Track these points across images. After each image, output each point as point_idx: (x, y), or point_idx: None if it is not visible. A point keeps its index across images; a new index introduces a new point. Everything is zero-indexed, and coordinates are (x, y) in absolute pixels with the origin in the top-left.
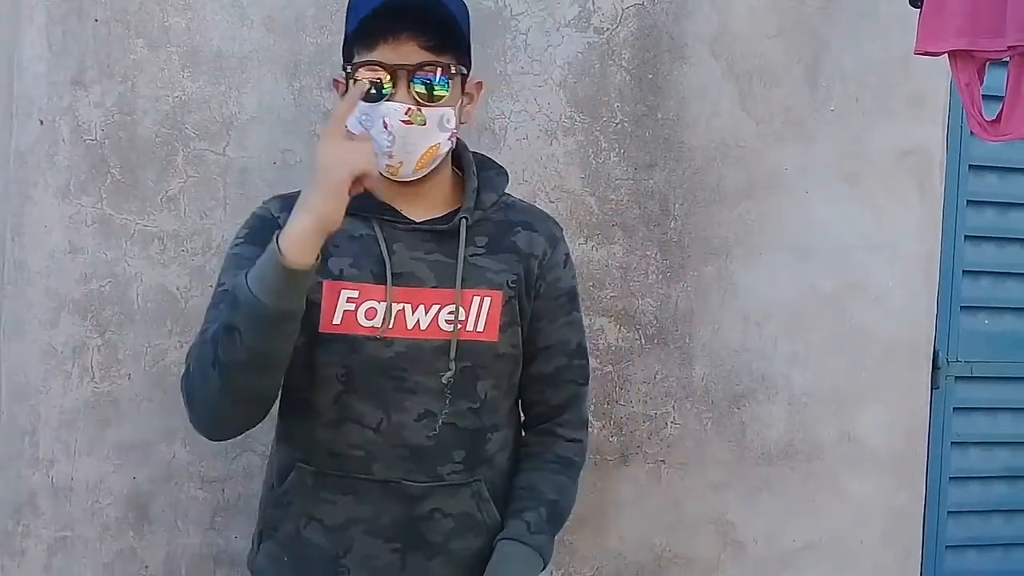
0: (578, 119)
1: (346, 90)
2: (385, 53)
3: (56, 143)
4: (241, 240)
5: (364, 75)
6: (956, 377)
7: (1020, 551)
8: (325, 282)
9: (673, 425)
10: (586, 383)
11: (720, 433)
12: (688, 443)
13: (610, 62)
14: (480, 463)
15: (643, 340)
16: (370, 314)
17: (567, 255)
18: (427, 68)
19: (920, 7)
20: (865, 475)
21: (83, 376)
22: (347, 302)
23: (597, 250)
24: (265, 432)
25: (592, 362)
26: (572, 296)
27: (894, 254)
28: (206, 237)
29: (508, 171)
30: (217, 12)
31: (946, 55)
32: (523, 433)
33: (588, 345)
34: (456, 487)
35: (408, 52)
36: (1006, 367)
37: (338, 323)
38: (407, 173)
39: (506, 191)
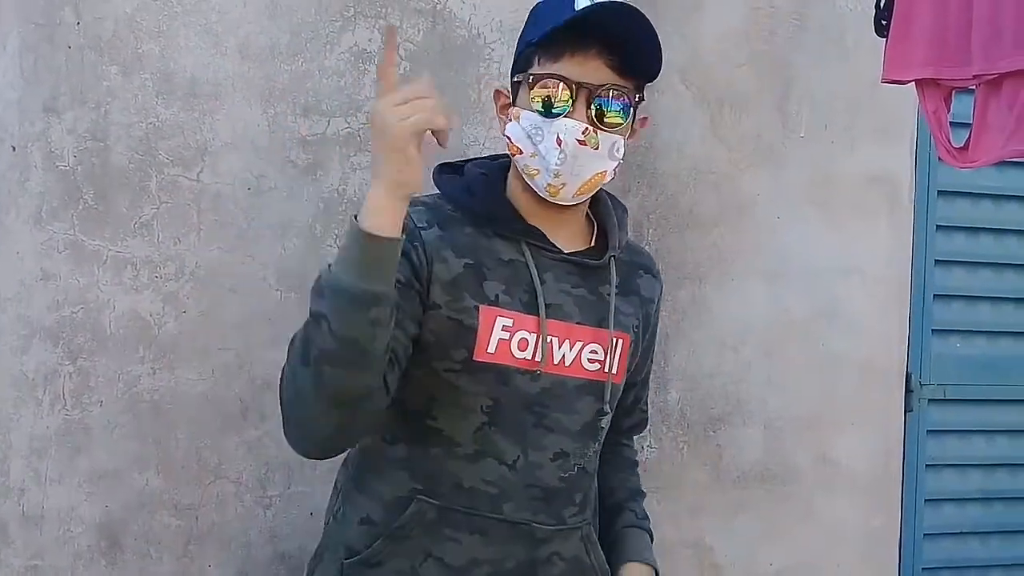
0: None
1: (511, 102)
2: (569, 67)
3: (28, 169)
4: None
5: (544, 89)
6: (929, 400)
7: (995, 573)
8: (481, 307)
9: (649, 449)
10: (647, 410)
11: (696, 457)
12: (664, 467)
13: None
14: (588, 504)
15: None
16: (522, 345)
17: (661, 295)
18: (611, 90)
19: (886, 36)
20: (841, 498)
21: (54, 403)
22: (502, 331)
23: None
24: (240, 457)
25: None
26: (655, 332)
27: (865, 278)
28: (179, 263)
29: None
30: (191, 39)
31: (913, 83)
32: None
33: None
34: (572, 531)
35: (594, 70)
36: (979, 390)
37: (493, 352)
38: (567, 196)
39: None
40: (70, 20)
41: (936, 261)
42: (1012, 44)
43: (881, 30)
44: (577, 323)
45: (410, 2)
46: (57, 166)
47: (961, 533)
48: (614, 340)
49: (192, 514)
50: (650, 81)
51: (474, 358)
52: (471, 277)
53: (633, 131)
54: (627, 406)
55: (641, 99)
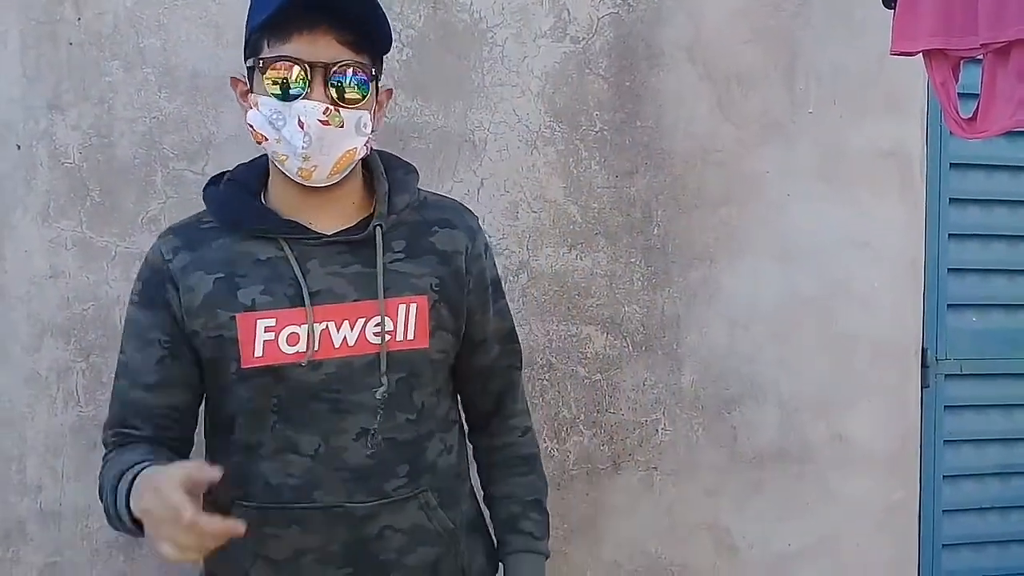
0: (558, 129)
1: (248, 88)
2: (300, 47)
3: (34, 168)
4: (136, 300)
5: (276, 71)
6: (946, 375)
7: (1016, 548)
8: (238, 315)
9: (664, 431)
10: (521, 367)
11: (711, 438)
12: (679, 449)
13: (587, 71)
14: (423, 472)
15: (631, 347)
16: (292, 340)
17: (486, 244)
18: (346, 66)
19: (894, 8)
20: (858, 476)
21: (68, 400)
22: (265, 332)
23: (581, 259)
24: None
25: (580, 370)
26: (496, 284)
27: (878, 254)
28: None
29: (490, 182)
30: (192, 32)
31: (921, 55)
32: (471, 431)
33: (575, 354)
34: (403, 501)
35: (325, 47)
36: (995, 364)
37: (260, 355)
38: (321, 178)
39: (418, 187)
40: (71, 16)
41: (950, 235)
42: (1018, 12)
43: (889, 2)
44: (355, 301)
45: None
46: (63, 163)
47: (980, 508)
48: (403, 307)
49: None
50: (384, 53)
51: (243, 366)
52: (223, 290)
53: (379, 104)
54: (486, 367)
55: (378, 72)
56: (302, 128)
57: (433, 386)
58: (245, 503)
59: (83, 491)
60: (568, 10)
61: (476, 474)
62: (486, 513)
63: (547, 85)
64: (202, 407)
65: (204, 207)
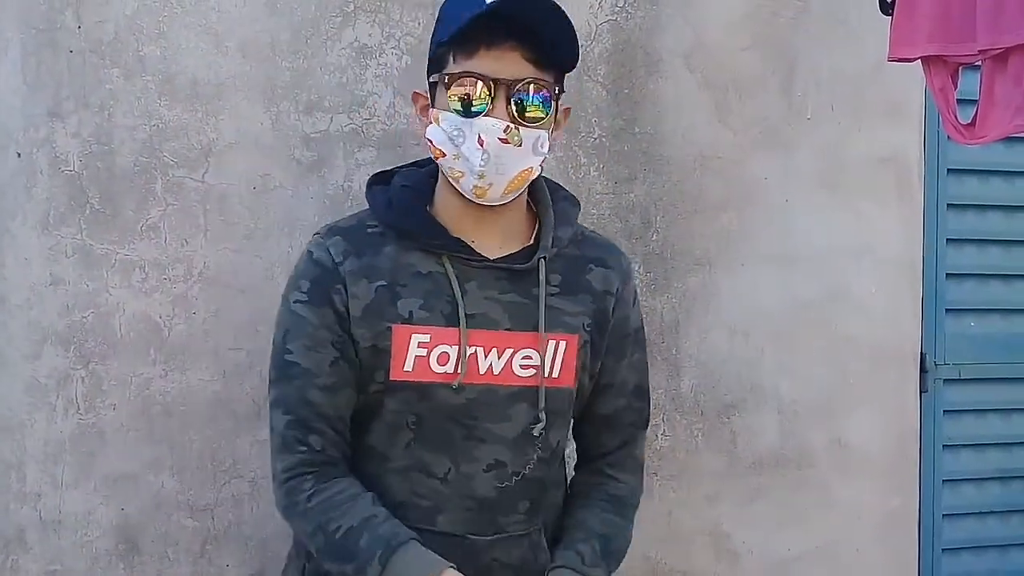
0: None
1: (429, 103)
2: (485, 63)
3: (34, 175)
4: (305, 299)
5: (461, 87)
6: (944, 380)
7: (1016, 552)
8: (394, 326)
9: (664, 437)
10: (645, 427)
11: (711, 444)
12: (679, 454)
13: (586, 78)
14: (540, 510)
15: None
16: (443, 359)
17: (635, 291)
18: (530, 84)
19: (891, 14)
20: (857, 481)
21: (68, 408)
22: (418, 347)
23: None
24: (255, 456)
25: None
26: (638, 335)
27: (876, 260)
28: (188, 264)
29: None
30: (192, 40)
31: (919, 61)
32: (578, 467)
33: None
34: (518, 537)
35: (510, 63)
36: (994, 369)
37: (409, 370)
38: (495, 197)
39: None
40: (71, 24)
41: (948, 240)
42: (1016, 18)
43: (886, 8)
44: (507, 330)
45: None
46: (62, 171)
47: (980, 513)
48: (552, 343)
49: (208, 514)
50: (568, 71)
51: (391, 378)
52: (385, 298)
53: (557, 123)
54: (606, 416)
55: (562, 90)
56: (481, 145)
57: (564, 425)
58: None
59: (83, 499)
60: None
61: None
62: None
63: None
64: None
65: (199, 213)
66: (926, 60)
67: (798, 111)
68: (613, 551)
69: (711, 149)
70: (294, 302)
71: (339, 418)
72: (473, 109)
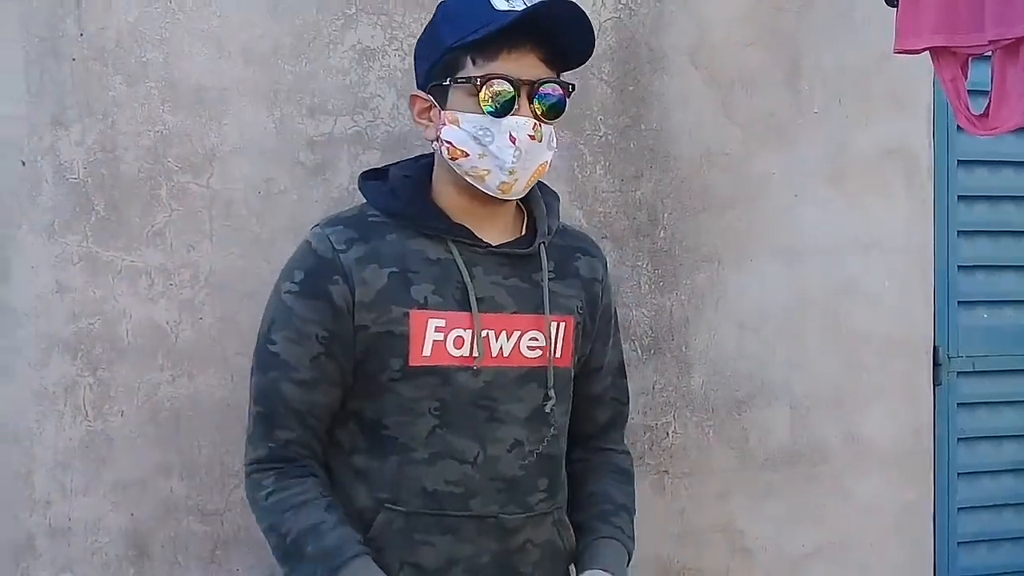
0: (561, 133)
1: (433, 105)
2: (508, 65)
3: (39, 183)
4: (296, 289)
5: (490, 89)
6: (958, 373)
7: None
8: (412, 311)
9: (675, 435)
10: (628, 403)
11: (722, 441)
12: (691, 452)
13: (591, 75)
14: (559, 488)
15: (639, 351)
16: (458, 343)
17: (610, 280)
18: (549, 84)
19: (896, 6)
20: (871, 476)
21: (76, 415)
22: (436, 332)
23: None
24: None
25: None
26: (616, 318)
27: (886, 253)
28: (194, 270)
29: None
30: (194, 45)
31: (928, 52)
32: (573, 446)
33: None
34: (543, 516)
35: (530, 66)
36: (1008, 360)
37: (428, 355)
38: (518, 191)
39: None
40: (73, 32)
41: (959, 232)
42: None
43: (891, 0)
44: (513, 313)
45: None
46: (67, 178)
47: (996, 505)
48: (554, 325)
49: (218, 519)
50: (577, 67)
51: (410, 364)
52: (397, 285)
53: None
54: (596, 395)
55: (574, 88)
56: (513, 143)
57: (568, 404)
58: (395, 507)
59: (92, 506)
60: None
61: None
62: None
63: None
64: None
65: (204, 218)
66: (934, 51)
67: (804, 105)
68: (633, 521)
69: (718, 145)
70: (284, 292)
71: (312, 415)
72: (503, 109)
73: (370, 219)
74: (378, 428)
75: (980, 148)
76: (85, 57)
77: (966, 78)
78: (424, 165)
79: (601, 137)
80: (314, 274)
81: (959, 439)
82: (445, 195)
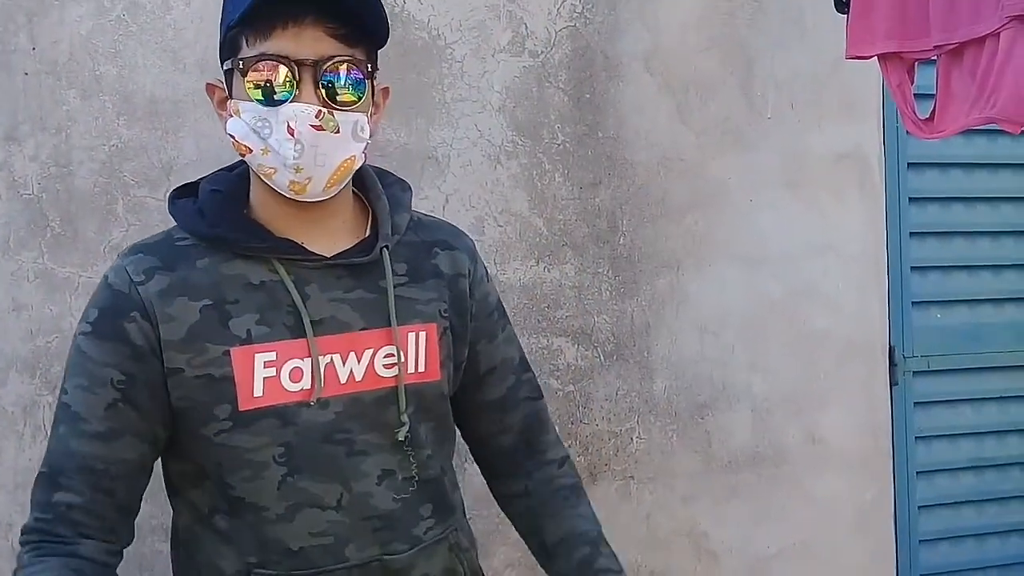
0: (520, 142)
1: (227, 93)
2: (284, 43)
3: None
4: (88, 330)
5: (259, 73)
6: (914, 372)
7: (993, 541)
8: (232, 350)
9: (639, 440)
10: (542, 396)
11: (686, 445)
12: (655, 457)
13: (547, 84)
14: (447, 511)
15: (602, 357)
16: (296, 375)
17: (485, 267)
18: (339, 63)
19: (846, 13)
20: (832, 476)
21: (36, 435)
22: (265, 367)
23: (549, 271)
24: None
25: (553, 382)
26: (501, 309)
27: (841, 255)
28: None
29: (455, 197)
30: (148, 58)
31: (876, 58)
32: (497, 478)
33: (547, 366)
34: (435, 544)
35: (313, 42)
36: (962, 359)
37: (260, 395)
38: (316, 192)
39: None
40: (25, 46)
41: (911, 233)
42: (968, 13)
43: (842, 7)
44: (362, 330)
45: None
46: (21, 194)
47: (955, 503)
48: (411, 335)
49: None
50: (380, 46)
51: (240, 409)
52: (212, 319)
53: (376, 106)
54: (500, 400)
55: (375, 68)
56: (292, 135)
57: (443, 420)
58: (264, 571)
59: None
60: (525, 24)
61: (514, 524)
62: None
63: (507, 99)
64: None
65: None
66: (882, 57)
67: (758, 111)
68: (606, 540)
69: (674, 151)
70: (79, 335)
71: (109, 475)
72: (277, 96)
73: (178, 243)
74: (224, 488)
75: (930, 151)
76: (37, 71)
77: (912, 83)
78: (239, 174)
79: (559, 145)
80: (109, 312)
81: (916, 438)
82: (263, 205)
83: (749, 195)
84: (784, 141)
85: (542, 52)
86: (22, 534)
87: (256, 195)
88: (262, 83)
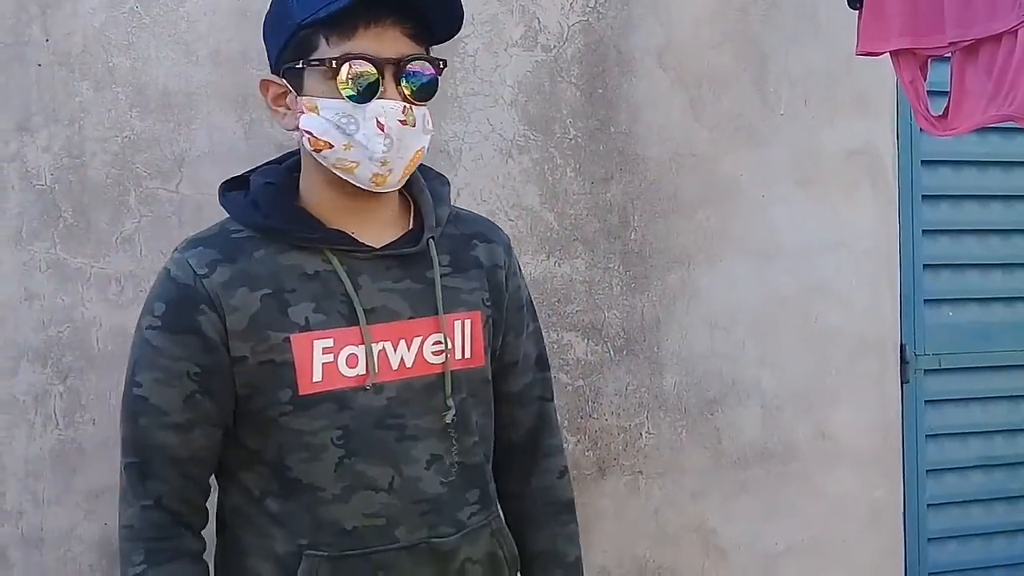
0: (532, 137)
1: (289, 91)
2: (367, 43)
3: (5, 190)
4: (158, 324)
5: (349, 71)
6: (925, 370)
7: (1001, 539)
8: (292, 336)
9: (648, 435)
10: (553, 398)
11: (695, 440)
12: (664, 452)
13: (560, 79)
14: (489, 498)
15: (612, 352)
16: (351, 361)
17: (518, 262)
18: (417, 61)
19: (859, 8)
20: (842, 473)
21: (47, 424)
22: (323, 353)
23: (560, 265)
24: None
25: (563, 377)
26: (530, 305)
27: (853, 252)
28: None
29: (466, 191)
30: (161, 50)
31: (888, 54)
32: (500, 472)
33: (557, 360)
34: (479, 529)
35: (392, 42)
36: (974, 358)
37: (320, 380)
38: (393, 182)
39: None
40: (39, 38)
41: (924, 231)
42: (984, 9)
43: (854, 2)
44: (410, 318)
45: None
46: (34, 185)
47: (964, 501)
48: (458, 323)
49: None
50: (443, 42)
51: (300, 393)
52: (272, 308)
53: None
54: (517, 394)
55: (445, 64)
56: (382, 130)
57: (486, 407)
58: (317, 552)
59: (65, 516)
60: (538, 19)
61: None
62: None
63: (520, 94)
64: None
65: (174, 224)
66: (895, 53)
67: (771, 107)
68: (581, 568)
69: (686, 147)
70: (146, 328)
71: (194, 461)
72: (366, 93)
73: (234, 236)
74: (282, 469)
75: (943, 148)
76: (51, 63)
77: (925, 79)
78: (289, 167)
79: (571, 140)
80: (177, 305)
81: (927, 436)
82: (316, 196)
83: (761, 191)
84: (797, 137)
85: (555, 47)
86: (124, 527)
87: (309, 187)
88: (353, 79)
